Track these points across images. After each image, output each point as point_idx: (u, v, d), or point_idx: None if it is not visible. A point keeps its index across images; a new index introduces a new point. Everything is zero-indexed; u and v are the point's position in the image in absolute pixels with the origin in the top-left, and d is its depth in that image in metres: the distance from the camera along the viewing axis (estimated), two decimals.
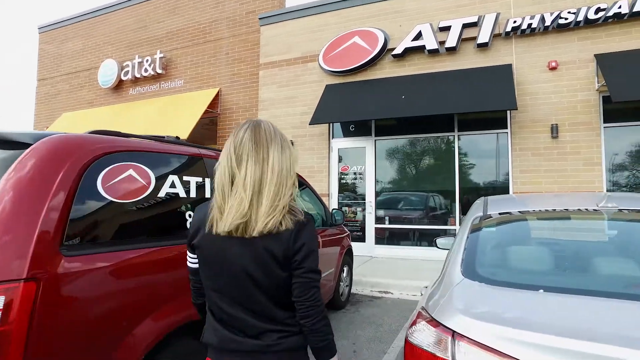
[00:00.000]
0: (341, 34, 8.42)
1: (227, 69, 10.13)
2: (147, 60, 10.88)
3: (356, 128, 8.54)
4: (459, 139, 7.62)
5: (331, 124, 8.64)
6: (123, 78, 11.25)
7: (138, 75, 11.00)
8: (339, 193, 8.50)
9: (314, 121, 7.91)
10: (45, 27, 13.25)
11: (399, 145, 8.22)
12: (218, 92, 10.13)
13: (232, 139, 1.26)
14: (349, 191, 8.49)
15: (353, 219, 8.29)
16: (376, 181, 8.24)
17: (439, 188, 7.86)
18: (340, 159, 8.60)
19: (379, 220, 8.12)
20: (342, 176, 8.54)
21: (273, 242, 1.19)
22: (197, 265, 1.34)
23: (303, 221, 1.24)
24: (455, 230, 7.47)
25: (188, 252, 1.38)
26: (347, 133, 8.64)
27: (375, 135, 8.31)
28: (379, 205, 8.19)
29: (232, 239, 1.21)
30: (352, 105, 7.77)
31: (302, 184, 4.40)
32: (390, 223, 8.06)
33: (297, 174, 1.59)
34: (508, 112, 7.27)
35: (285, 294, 1.23)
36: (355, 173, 8.44)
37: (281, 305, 1.24)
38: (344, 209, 8.34)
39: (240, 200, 1.18)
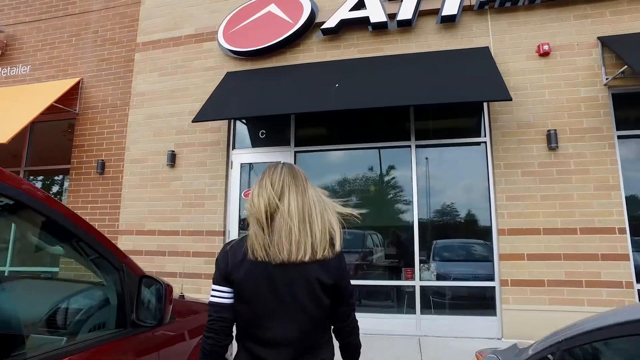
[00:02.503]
0: (250, 1, 5.90)
1: (94, 53, 7.11)
2: None
3: (269, 135, 5.85)
4: (416, 152, 5.20)
5: (232, 129, 5.89)
6: None
7: None
8: (239, 230, 5.59)
9: (200, 117, 5.10)
10: None
11: (331, 160, 5.63)
12: (78, 83, 7.02)
13: (267, 175, 1.35)
14: None
15: None
16: None
17: (389, 223, 5.30)
18: (243, 180, 5.78)
19: None
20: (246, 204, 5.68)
21: (322, 269, 1.27)
22: (229, 301, 1.31)
23: (341, 250, 1.34)
24: (414, 287, 4.87)
25: (218, 287, 1.32)
26: (255, 142, 5.91)
27: (296, 145, 5.66)
28: None
29: (282, 267, 1.25)
30: (260, 98, 5.11)
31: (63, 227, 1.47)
32: None
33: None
34: (485, 113, 5.05)
35: (326, 318, 1.36)
36: None
37: (322, 329, 1.34)
38: None
39: (289, 228, 1.25)
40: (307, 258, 1.23)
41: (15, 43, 7.67)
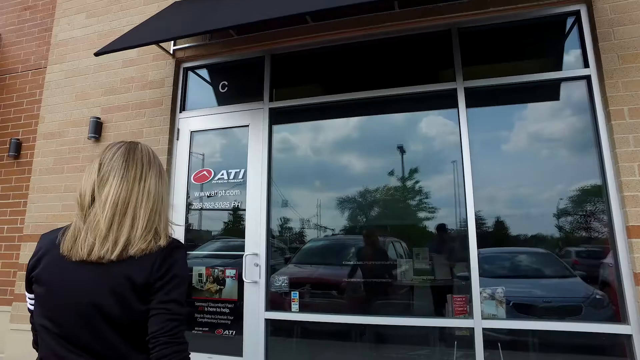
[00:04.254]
0: None
1: (16, 2, 5.38)
2: None
3: (232, 87, 3.88)
4: (466, 102, 3.13)
5: (180, 82, 3.97)
6: None
7: None
8: (187, 231, 3.63)
9: (119, 45, 3.14)
10: None
11: (325, 125, 3.60)
12: None
13: (99, 157, 1.14)
14: (210, 228, 3.65)
15: (214, 297, 3.40)
16: (270, 206, 3.47)
17: (421, 223, 3.21)
18: (194, 158, 3.82)
19: (277, 299, 3.29)
20: (198, 193, 3.71)
21: (133, 268, 1.02)
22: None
23: (170, 246, 1.08)
24: (472, 330, 2.78)
25: (26, 292, 1.14)
26: (213, 99, 3.95)
27: (274, 99, 3.67)
28: (279, 260, 3.40)
29: (84, 267, 1.03)
30: (212, 13, 3.16)
31: None
32: (305, 309, 3.23)
33: None
34: (585, 25, 2.95)
35: (143, 334, 1.02)
36: (225, 184, 3.65)
37: (139, 347, 1.03)
38: (198, 270, 3.47)
39: (97, 221, 1.04)
40: (113, 256, 1.01)
41: None
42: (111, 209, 1.05)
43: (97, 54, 3.12)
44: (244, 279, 3.29)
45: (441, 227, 3.07)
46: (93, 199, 1.07)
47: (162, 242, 1.07)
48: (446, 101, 3.20)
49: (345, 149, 3.40)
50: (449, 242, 3.04)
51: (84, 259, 1.02)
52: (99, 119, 4.03)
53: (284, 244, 3.42)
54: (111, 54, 4.11)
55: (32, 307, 1.10)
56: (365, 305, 3.11)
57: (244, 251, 3.38)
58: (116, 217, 1.05)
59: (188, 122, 3.84)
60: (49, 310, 1.03)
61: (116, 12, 4.33)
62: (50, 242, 1.09)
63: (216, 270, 3.45)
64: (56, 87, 4.38)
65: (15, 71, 5.11)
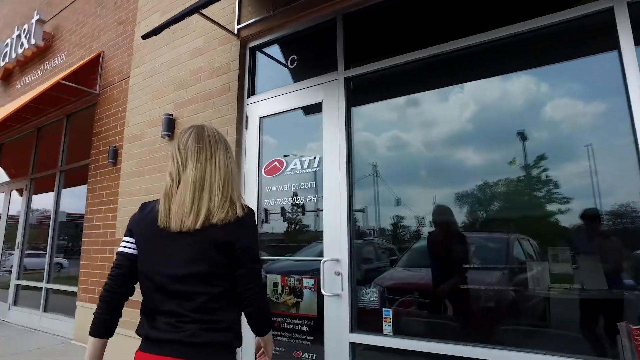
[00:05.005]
0: None
1: (114, 17, 5.65)
2: (24, 30, 6.90)
3: (302, 60, 3.26)
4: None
5: (247, 63, 3.51)
6: (3, 63, 7.34)
7: (15, 55, 7.02)
8: (261, 225, 3.12)
9: (164, 22, 2.77)
10: None
11: (417, 94, 2.72)
12: (98, 57, 5.62)
13: (175, 142, 1.34)
14: (281, 230, 3.05)
15: (290, 312, 2.79)
16: (352, 199, 2.73)
17: (560, 213, 2.13)
18: (264, 147, 3.29)
19: (367, 316, 2.53)
20: (270, 188, 3.16)
21: (215, 233, 1.21)
22: (133, 252, 1.31)
23: (244, 214, 1.27)
24: None
25: (125, 237, 1.33)
26: (282, 78, 3.38)
27: (349, 67, 2.93)
28: (369, 266, 2.65)
29: (178, 236, 1.23)
30: None
31: None
32: (404, 330, 2.41)
33: None
34: None
35: (226, 285, 1.23)
36: (298, 175, 3.03)
37: (219, 298, 1.22)
38: (273, 279, 2.93)
39: (183, 200, 1.23)
40: (198, 225, 1.21)
41: (59, 32, 6.83)
42: (192, 187, 1.23)
43: (144, 37, 2.81)
44: (322, 291, 2.61)
45: (591, 215, 1.98)
46: (178, 182, 1.26)
47: (239, 212, 1.25)
48: (602, 37, 2.08)
49: (448, 128, 2.49)
50: (604, 237, 1.93)
51: (178, 230, 1.21)
52: (171, 115, 3.82)
53: (392, 244, 2.64)
54: (181, 46, 3.88)
55: (127, 251, 1.30)
56: (487, 326, 2.16)
57: (323, 252, 2.71)
58: (196, 193, 1.23)
59: (257, 107, 3.35)
60: (150, 265, 1.24)
61: (184, 3, 4.11)
62: (150, 210, 1.31)
63: (292, 279, 2.85)
64: (138, 89, 4.34)
65: (113, 82, 5.33)
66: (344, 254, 2.63)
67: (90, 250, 4.94)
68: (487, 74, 2.41)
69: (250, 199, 3.18)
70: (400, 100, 2.70)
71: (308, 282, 2.77)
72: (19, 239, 6.57)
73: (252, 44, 3.54)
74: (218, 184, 1.25)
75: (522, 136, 2.25)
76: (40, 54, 6.95)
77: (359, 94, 2.88)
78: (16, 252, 6.55)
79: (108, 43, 5.63)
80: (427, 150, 2.53)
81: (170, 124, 3.77)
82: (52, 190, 6.16)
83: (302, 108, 3.08)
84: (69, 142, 6.15)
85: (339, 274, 2.61)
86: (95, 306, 1.31)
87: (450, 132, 2.46)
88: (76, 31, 6.36)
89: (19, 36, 7.00)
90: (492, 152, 2.31)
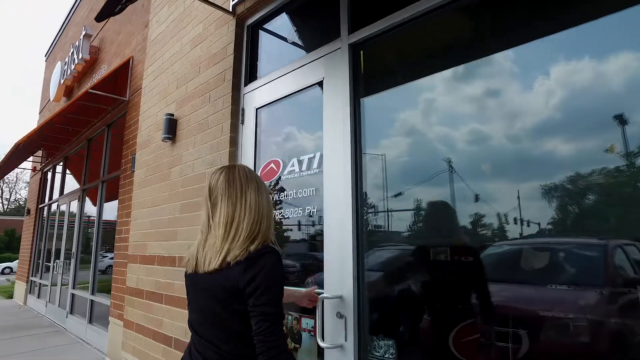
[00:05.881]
0: None
1: (142, 19, 5.46)
2: (75, 46, 7.12)
3: (303, 31, 2.55)
4: None
5: (244, 43, 2.89)
6: (63, 81, 7.68)
7: (70, 71, 7.28)
8: None
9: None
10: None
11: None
12: (128, 63, 5.47)
13: (208, 183, 1.35)
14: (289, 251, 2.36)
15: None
16: (359, 210, 1.95)
17: None
18: (260, 145, 2.62)
19: None
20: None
21: (226, 274, 1.20)
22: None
23: (258, 252, 1.21)
24: None
25: None
26: (282, 55, 2.70)
27: (355, 28, 2.15)
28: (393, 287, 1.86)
29: (205, 277, 1.25)
30: None
31: None
32: None
33: None
34: None
35: (248, 330, 1.17)
36: (297, 179, 2.31)
37: (246, 341, 1.18)
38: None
39: (214, 241, 1.25)
40: (217, 264, 1.22)
41: (103, 45, 6.92)
42: (222, 227, 1.25)
43: (97, 19, 2.35)
44: (318, 342, 1.87)
45: None
46: (209, 224, 1.30)
47: (253, 248, 1.21)
48: None
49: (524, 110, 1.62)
50: None
51: (206, 271, 1.25)
52: (172, 115, 3.35)
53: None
54: (184, 37, 3.40)
55: None
56: None
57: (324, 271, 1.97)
58: (226, 233, 1.24)
59: (253, 96, 2.71)
60: (191, 311, 1.34)
61: None
62: (191, 252, 1.35)
63: (290, 317, 2.15)
64: (148, 91, 3.99)
65: (139, 87, 5.11)
66: (347, 289, 1.86)
67: (120, 264, 4.73)
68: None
69: None
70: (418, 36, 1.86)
71: (307, 323, 2.05)
72: (73, 249, 6.73)
73: (250, 21, 2.91)
74: (247, 223, 1.24)
75: (621, 120, 1.44)
76: (89, 68, 7.11)
77: (378, 66, 2.10)
78: (72, 262, 6.72)
79: (137, 47, 5.46)
80: (495, 138, 1.68)
81: (171, 125, 3.30)
82: (98, 200, 6.18)
83: (300, 92, 2.37)
84: (110, 152, 6.12)
85: (341, 317, 1.85)
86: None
87: (527, 114, 1.58)
88: (114, 41, 6.35)
89: (72, 53, 7.24)
90: (583, 138, 1.47)
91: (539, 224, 1.59)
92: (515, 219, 1.62)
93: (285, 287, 1.72)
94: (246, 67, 2.85)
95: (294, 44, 2.60)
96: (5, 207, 44.25)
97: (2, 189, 48.09)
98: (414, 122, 1.88)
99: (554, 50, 1.53)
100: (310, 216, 2.15)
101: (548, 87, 1.57)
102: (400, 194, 1.87)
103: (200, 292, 1.27)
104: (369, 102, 2.04)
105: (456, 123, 1.74)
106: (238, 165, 1.38)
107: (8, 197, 44.86)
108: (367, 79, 2.09)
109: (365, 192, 1.96)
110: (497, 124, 1.66)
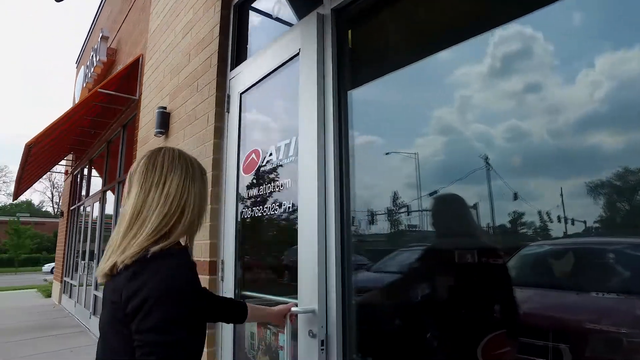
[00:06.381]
0: None
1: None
2: (94, 49, 7.19)
3: (288, 2, 2.24)
4: None
5: (232, 21, 2.62)
6: (85, 84, 7.80)
7: (90, 74, 7.37)
8: (238, 257, 2.18)
9: None
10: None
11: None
12: (138, 60, 5.38)
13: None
14: (259, 255, 2.07)
15: None
16: (344, 207, 1.62)
17: None
18: (246, 134, 2.34)
19: None
20: (248, 191, 2.20)
21: (112, 283, 0.89)
22: None
23: (153, 254, 0.86)
24: None
25: None
26: (266, 36, 2.41)
27: None
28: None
29: (105, 284, 0.94)
30: None
31: None
32: None
33: None
34: None
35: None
36: (273, 169, 2.01)
37: None
38: (249, 327, 1.98)
39: (116, 235, 0.93)
40: (107, 268, 0.90)
41: (119, 46, 6.93)
42: (127, 221, 0.93)
43: None
44: None
45: None
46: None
47: (154, 249, 0.87)
48: None
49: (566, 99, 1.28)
50: None
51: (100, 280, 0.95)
52: (165, 108, 3.15)
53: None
54: (177, 25, 3.20)
55: None
56: None
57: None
58: (128, 229, 0.92)
59: (237, 81, 2.44)
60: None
61: None
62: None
63: (269, 331, 1.86)
64: (147, 86, 3.82)
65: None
66: (316, 301, 1.54)
67: None
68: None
69: (229, 210, 2.28)
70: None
71: (284, 339, 1.75)
72: (95, 249, 6.79)
73: (237, 0, 2.64)
74: (157, 216, 0.92)
75: None
76: (107, 70, 7.16)
77: (376, 40, 1.76)
78: (94, 263, 6.78)
79: (146, 45, 5.36)
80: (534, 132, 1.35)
81: (163, 119, 3.10)
82: (118, 201, 6.18)
83: (280, 69, 2.06)
84: (125, 153, 6.09)
85: (313, 336, 1.53)
86: None
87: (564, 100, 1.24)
88: (128, 41, 6.32)
89: (92, 56, 7.32)
90: (632, 131, 1.13)
91: (584, 222, 1.34)
92: (558, 217, 1.34)
93: (254, 305, 1.42)
94: (232, 51, 2.59)
95: (277, 19, 2.30)
96: (55, 210, 47.02)
97: (52, 193, 51.11)
98: (421, 113, 1.53)
99: (599, 38, 1.19)
100: (290, 210, 1.84)
101: (593, 79, 1.25)
102: (435, 192, 1.56)
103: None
104: (363, 90, 1.70)
105: (493, 117, 1.43)
106: (167, 148, 1.06)
107: (57, 201, 47.62)
108: (361, 55, 1.75)
109: (349, 186, 1.63)
110: (537, 118, 1.34)
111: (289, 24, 2.25)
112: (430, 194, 1.45)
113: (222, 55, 2.57)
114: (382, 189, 1.57)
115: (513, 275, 1.37)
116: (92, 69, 7.16)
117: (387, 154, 1.58)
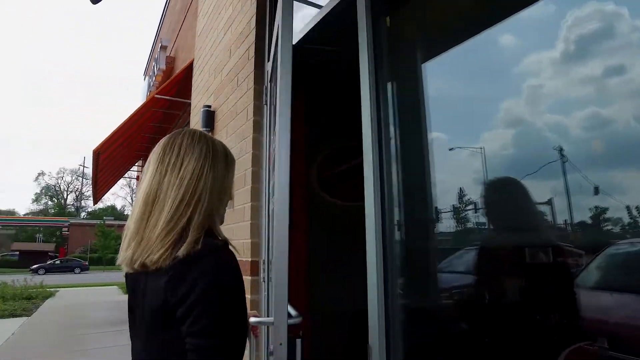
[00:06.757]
0: None
1: None
2: (155, 59, 7.59)
3: None
4: None
5: (270, 13, 2.51)
6: (148, 93, 8.28)
7: (152, 83, 7.80)
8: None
9: None
10: None
11: None
12: (191, 64, 5.55)
13: None
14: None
15: None
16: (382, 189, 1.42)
17: None
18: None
19: None
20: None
21: (156, 284, 0.81)
22: None
23: (197, 253, 0.79)
24: None
25: None
26: (302, 18, 2.25)
27: None
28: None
29: (133, 277, 0.90)
30: None
31: None
32: None
33: None
34: None
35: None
36: None
37: None
38: None
39: (130, 220, 0.88)
40: (136, 264, 0.83)
41: (177, 54, 7.24)
42: (140, 207, 0.86)
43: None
44: None
45: None
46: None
47: (183, 250, 0.79)
48: None
49: None
50: None
51: (127, 268, 0.88)
52: (210, 107, 3.14)
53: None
54: (219, 24, 3.19)
55: None
56: None
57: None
58: (144, 215, 0.85)
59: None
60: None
61: None
62: None
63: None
64: (196, 87, 3.88)
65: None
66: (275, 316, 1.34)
67: None
68: None
69: (262, 206, 2.16)
70: None
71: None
72: None
73: None
74: (172, 202, 0.83)
75: None
76: (167, 77, 7.51)
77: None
78: None
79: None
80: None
81: (208, 117, 3.09)
82: None
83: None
84: None
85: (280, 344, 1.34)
86: None
87: None
88: (184, 47, 6.56)
89: (153, 66, 7.74)
90: None
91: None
92: None
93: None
94: (269, 42, 2.48)
95: (313, 4, 2.14)
96: None
97: (132, 199, 55.93)
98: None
99: None
100: None
101: None
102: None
103: (134, 296, 0.92)
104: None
105: (567, 105, 1.19)
106: (191, 129, 0.97)
107: None
108: (401, 38, 1.54)
109: (390, 182, 1.43)
110: (622, 103, 1.07)
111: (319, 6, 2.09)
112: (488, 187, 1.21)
113: (258, 46, 2.47)
114: (444, 185, 1.35)
115: (598, 278, 1.10)
116: (154, 78, 7.56)
117: (450, 149, 1.37)
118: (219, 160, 0.94)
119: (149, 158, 0.94)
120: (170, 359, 0.81)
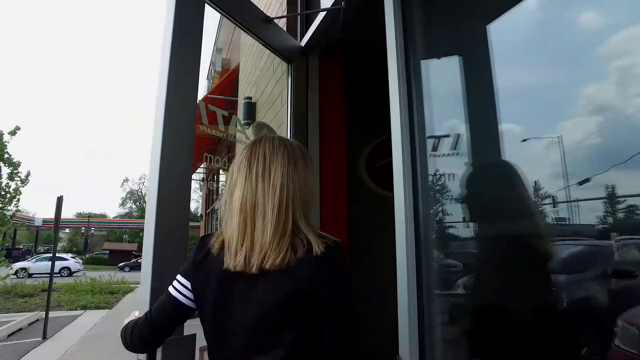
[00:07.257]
0: None
1: None
2: (211, 62, 7.83)
3: None
4: None
5: None
6: (204, 94, 8.60)
7: (208, 84, 8.06)
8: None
9: None
10: None
11: None
12: (238, 68, 5.60)
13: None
14: None
15: None
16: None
17: None
18: None
19: None
20: None
21: (285, 279, 0.85)
22: (184, 300, 0.95)
23: (329, 247, 0.87)
24: None
25: (180, 278, 0.97)
26: None
27: None
28: None
29: (239, 279, 0.90)
30: None
31: None
32: None
33: None
34: None
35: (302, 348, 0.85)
36: None
37: None
38: None
39: (232, 227, 0.92)
40: (254, 268, 0.87)
41: (232, 55, 7.40)
42: (239, 214, 0.91)
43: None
44: None
45: None
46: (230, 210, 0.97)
47: (316, 248, 0.85)
48: None
49: None
50: None
51: (239, 273, 0.89)
52: (250, 99, 3.06)
53: None
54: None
55: (178, 296, 0.96)
56: None
57: None
58: (247, 222, 0.90)
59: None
60: (212, 324, 0.94)
61: None
62: (208, 244, 0.96)
63: None
64: (241, 82, 3.86)
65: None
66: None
67: None
68: None
69: None
70: None
71: None
72: None
73: None
74: (272, 209, 0.89)
75: None
76: (222, 79, 7.71)
77: None
78: None
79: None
80: None
81: (249, 109, 3.02)
82: None
83: None
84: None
85: None
86: None
87: None
88: (237, 49, 6.67)
89: (210, 70, 8.00)
90: None
91: None
92: None
93: None
94: (302, 23, 2.32)
95: None
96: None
97: (205, 201, 59.40)
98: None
99: None
100: None
101: None
102: (587, 180, 1.09)
103: (234, 303, 0.91)
104: None
105: None
106: (267, 136, 0.99)
107: None
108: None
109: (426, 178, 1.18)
110: None
111: None
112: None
113: (290, 25, 2.32)
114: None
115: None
116: (211, 80, 7.81)
117: (523, 140, 1.12)
118: (298, 161, 0.96)
119: (232, 168, 0.98)
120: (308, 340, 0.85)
